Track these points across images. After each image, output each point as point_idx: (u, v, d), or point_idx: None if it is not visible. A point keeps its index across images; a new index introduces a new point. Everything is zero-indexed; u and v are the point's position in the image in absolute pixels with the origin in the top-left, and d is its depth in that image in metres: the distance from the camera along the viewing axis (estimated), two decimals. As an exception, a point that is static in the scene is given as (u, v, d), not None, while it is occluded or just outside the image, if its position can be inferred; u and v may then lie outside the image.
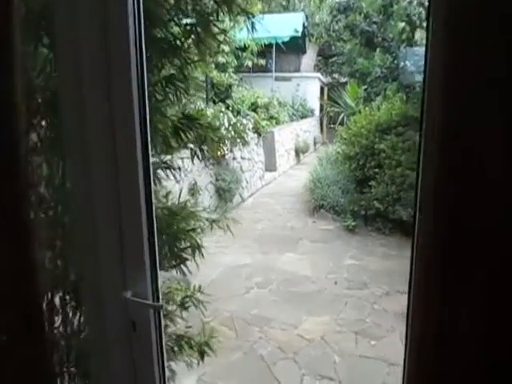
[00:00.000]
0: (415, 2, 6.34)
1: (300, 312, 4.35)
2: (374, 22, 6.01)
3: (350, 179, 7.52)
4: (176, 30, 1.73)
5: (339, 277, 5.20)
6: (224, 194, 7.09)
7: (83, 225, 1.40)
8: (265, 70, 14.26)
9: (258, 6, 8.06)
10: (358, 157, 7.08)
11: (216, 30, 1.79)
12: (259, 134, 9.15)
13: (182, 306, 2.26)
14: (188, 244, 2.00)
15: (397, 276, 5.20)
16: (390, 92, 7.00)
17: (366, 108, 7.62)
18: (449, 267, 0.89)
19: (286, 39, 13.15)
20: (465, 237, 0.86)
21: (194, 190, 6.18)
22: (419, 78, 6.21)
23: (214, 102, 8.43)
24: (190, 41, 1.75)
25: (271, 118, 10.81)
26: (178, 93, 1.82)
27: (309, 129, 14.55)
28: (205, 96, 8.08)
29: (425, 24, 6.62)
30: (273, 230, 6.90)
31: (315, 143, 15.18)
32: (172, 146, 2.06)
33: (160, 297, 1.41)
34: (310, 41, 16.98)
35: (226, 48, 10.99)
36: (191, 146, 2.12)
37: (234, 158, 7.81)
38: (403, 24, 6.29)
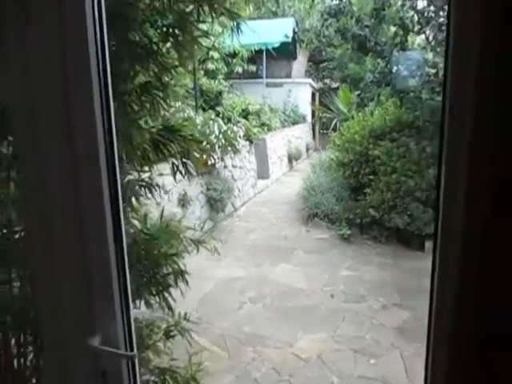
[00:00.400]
0: (407, 5, 6.21)
1: (295, 328, 4.15)
2: (366, 26, 5.88)
3: (344, 186, 7.36)
4: (152, 32, 1.54)
5: (335, 289, 5.01)
6: (215, 203, 6.89)
7: (41, 258, 1.20)
8: (256, 76, 14.11)
9: (247, 12, 7.89)
10: (351, 163, 6.92)
11: (197, 32, 1.61)
12: (251, 142, 8.98)
13: (167, 335, 2.05)
14: (170, 270, 1.80)
15: (393, 287, 5.04)
16: (384, 97, 6.86)
17: (359, 114, 7.48)
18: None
19: (277, 45, 13.02)
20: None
21: (183, 201, 5.98)
22: (413, 82, 6.08)
23: (204, 110, 8.24)
24: (168, 44, 1.57)
25: (263, 124, 10.64)
26: (155, 102, 1.62)
27: (301, 135, 14.40)
28: (194, 103, 7.89)
29: (417, 28, 6.51)
30: (266, 240, 6.71)
31: (308, 149, 15.03)
32: (151, 161, 1.86)
33: (134, 341, 1.22)
34: (300, 46, 16.89)
35: (216, 54, 10.88)
36: (173, 160, 1.93)
37: (226, 167, 7.62)
38: (396, 28, 6.16)
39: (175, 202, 5.82)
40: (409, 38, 6.45)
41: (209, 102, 8.66)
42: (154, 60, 1.54)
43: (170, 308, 2.12)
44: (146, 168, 1.93)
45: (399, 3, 6.98)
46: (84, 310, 1.17)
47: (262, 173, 10.09)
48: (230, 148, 7.01)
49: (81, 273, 1.16)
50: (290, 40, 13.90)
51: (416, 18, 6.49)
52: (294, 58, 16.43)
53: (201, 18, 1.60)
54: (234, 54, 11.90)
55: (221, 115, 8.53)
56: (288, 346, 3.88)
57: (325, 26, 6.35)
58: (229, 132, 7.09)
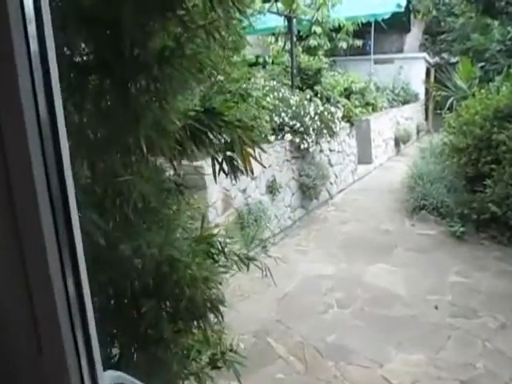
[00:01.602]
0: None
1: (388, 344, 3.55)
2: (496, -17, 4.81)
3: (458, 176, 6.35)
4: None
5: (441, 299, 4.25)
6: (308, 190, 6.39)
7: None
8: (362, 52, 13.06)
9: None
10: (469, 149, 5.88)
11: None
12: (352, 123, 8.24)
13: (212, 364, 1.66)
14: (203, 299, 1.38)
15: (516, 302, 4.14)
16: (514, 70, 5.69)
17: (482, 90, 6.34)
18: None
19: (387, 16, 11.81)
20: None
21: (272, 188, 5.58)
22: (556, 50, 4.88)
23: (301, 89, 7.70)
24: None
25: (367, 104, 9.76)
26: (181, 74, 1.19)
27: (411, 115, 13.10)
28: (290, 82, 7.39)
29: None
30: (362, 233, 6.05)
31: (418, 131, 13.66)
32: (188, 153, 1.45)
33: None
34: (415, 17, 15.32)
35: (318, 29, 10.20)
36: (214, 154, 1.49)
37: (321, 151, 7.05)
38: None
39: (263, 188, 5.45)
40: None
41: (306, 80, 8.08)
42: (174, 15, 1.11)
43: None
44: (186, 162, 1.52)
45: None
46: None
47: (364, 157, 9.29)
48: (325, 131, 6.42)
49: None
50: (402, 10, 12.55)
51: None
52: (408, 30, 14.94)
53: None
54: (338, 29, 11.09)
55: (319, 95, 7.92)
56: (377, 365, 3.30)
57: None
58: (325, 113, 6.49)
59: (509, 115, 5.51)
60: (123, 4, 1.02)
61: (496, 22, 8.59)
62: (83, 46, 1.20)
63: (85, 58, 1.24)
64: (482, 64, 5.68)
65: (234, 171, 1.49)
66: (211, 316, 1.49)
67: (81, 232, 0.80)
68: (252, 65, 9.31)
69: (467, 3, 5.61)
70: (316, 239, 5.93)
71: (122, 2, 1.03)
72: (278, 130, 6.02)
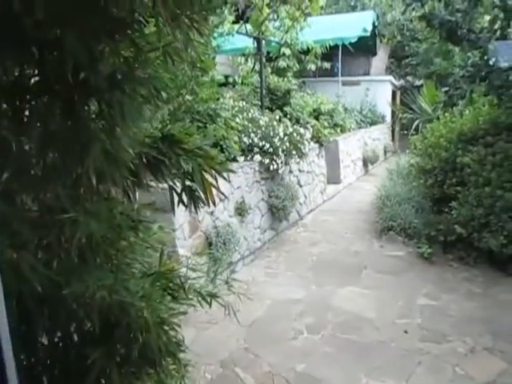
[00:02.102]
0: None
1: (358, 372, 3.46)
2: (458, 10, 4.95)
3: (425, 197, 6.44)
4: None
5: (410, 323, 4.22)
6: (277, 212, 6.32)
7: None
8: (330, 73, 13.30)
9: (319, 5, 7.21)
10: (435, 171, 5.98)
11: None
12: (321, 144, 8.29)
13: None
14: (158, 344, 1.25)
15: (484, 325, 4.14)
16: (476, 94, 5.84)
17: (446, 114, 6.49)
18: None
19: (354, 40, 12.11)
20: None
21: (241, 210, 5.48)
22: (515, 76, 5.04)
23: (271, 110, 7.70)
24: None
25: (336, 125, 9.89)
26: (132, 100, 1.09)
27: (378, 136, 13.36)
28: (259, 103, 7.39)
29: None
30: (332, 255, 6.01)
31: (385, 152, 13.93)
32: (143, 184, 1.34)
33: None
34: (381, 41, 15.80)
35: (288, 51, 10.32)
36: (171, 182, 1.39)
37: (291, 172, 7.03)
38: (495, 11, 5.16)
39: (232, 210, 5.34)
40: (511, 23, 5.40)
41: (276, 101, 8.11)
42: (126, 36, 1.01)
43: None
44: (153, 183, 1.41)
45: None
46: None
47: (333, 177, 9.35)
48: (295, 152, 6.40)
49: None
50: (368, 34, 12.91)
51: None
52: (374, 53, 15.36)
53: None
54: (307, 51, 11.26)
55: (289, 116, 7.94)
56: (347, 395, 3.21)
57: (407, 16, 5.47)
58: (295, 134, 6.49)
59: (472, 138, 5.64)
60: (66, 25, 0.92)
61: (457, 48, 8.93)
62: (25, 68, 1.09)
63: (27, 82, 1.13)
64: (446, 89, 5.81)
65: (194, 202, 1.39)
66: (169, 360, 1.37)
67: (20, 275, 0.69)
68: (222, 85, 9.29)
69: (430, 30, 5.75)
70: (286, 261, 5.84)
71: (65, 23, 0.93)
72: (248, 150, 5.96)
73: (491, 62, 5.12)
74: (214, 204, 1.39)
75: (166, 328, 1.26)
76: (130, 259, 1.47)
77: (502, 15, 5.01)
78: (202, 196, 1.39)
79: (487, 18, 5.99)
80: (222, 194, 1.57)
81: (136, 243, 1.47)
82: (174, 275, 1.54)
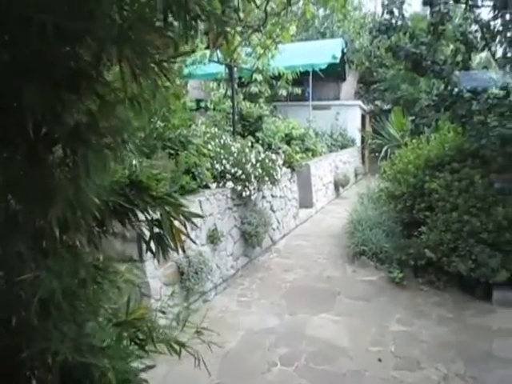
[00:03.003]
0: (470, 19, 5.44)
1: (333, 405, 3.42)
2: (422, 43, 5.15)
3: (396, 221, 6.55)
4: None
5: (384, 350, 4.22)
6: (250, 238, 6.29)
7: None
8: (302, 98, 13.57)
9: (290, 33, 7.40)
10: (404, 197, 6.10)
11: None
12: (293, 169, 8.36)
13: None
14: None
15: (455, 351, 4.18)
16: (442, 122, 6.05)
17: (413, 140, 6.67)
18: None
19: (324, 67, 12.42)
20: None
21: (213, 237, 5.43)
22: (477, 106, 5.25)
23: (243, 136, 7.74)
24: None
25: (307, 149, 10.02)
26: (96, 153, 1.06)
27: (349, 160, 13.61)
28: (231, 129, 7.42)
29: (481, 45, 5.69)
30: (306, 282, 6.00)
31: (356, 175, 14.18)
32: (110, 232, 1.30)
33: None
34: (350, 67, 16.25)
35: (259, 77, 10.47)
36: (139, 230, 1.35)
37: (264, 197, 7.04)
38: (456, 44, 5.39)
39: (204, 238, 5.28)
40: (472, 55, 5.66)
41: (248, 127, 8.16)
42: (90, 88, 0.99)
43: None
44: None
45: (460, 17, 6.22)
46: None
47: (305, 202, 9.42)
48: (267, 178, 6.42)
49: None
50: (338, 61, 13.28)
51: (480, 33, 5.70)
52: (343, 79, 15.78)
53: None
54: (278, 76, 11.46)
55: (261, 141, 8.00)
56: (323, 430, 3.15)
57: (374, 43, 5.65)
58: (267, 160, 6.52)
59: (439, 165, 5.80)
60: (25, 79, 0.89)
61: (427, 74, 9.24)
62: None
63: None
64: (413, 118, 5.99)
65: (162, 250, 1.36)
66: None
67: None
68: (194, 109, 9.32)
69: (395, 58, 5.95)
70: (259, 288, 5.79)
71: (23, 76, 0.90)
72: (220, 177, 5.95)
73: (455, 92, 5.31)
74: (184, 251, 1.36)
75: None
76: (95, 307, 1.41)
77: (463, 48, 5.25)
78: (171, 243, 1.35)
79: (451, 47, 6.27)
80: (192, 240, 1.54)
81: (102, 290, 1.41)
82: (142, 323, 1.49)
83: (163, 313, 1.86)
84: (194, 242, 3.09)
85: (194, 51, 7.78)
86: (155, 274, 4.44)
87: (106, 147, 1.08)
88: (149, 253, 1.47)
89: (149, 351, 1.49)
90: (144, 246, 1.38)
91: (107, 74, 1.15)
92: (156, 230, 1.34)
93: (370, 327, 4.69)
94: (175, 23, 1.13)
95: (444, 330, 4.60)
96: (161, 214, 1.31)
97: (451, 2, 4.91)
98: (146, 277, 4.25)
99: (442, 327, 4.67)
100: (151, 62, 1.11)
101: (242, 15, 6.28)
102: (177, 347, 1.46)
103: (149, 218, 1.33)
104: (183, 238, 1.36)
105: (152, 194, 1.30)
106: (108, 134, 1.07)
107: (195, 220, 1.57)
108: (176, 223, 1.36)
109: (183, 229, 1.36)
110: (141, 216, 1.37)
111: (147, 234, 1.38)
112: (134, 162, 1.32)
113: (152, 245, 1.35)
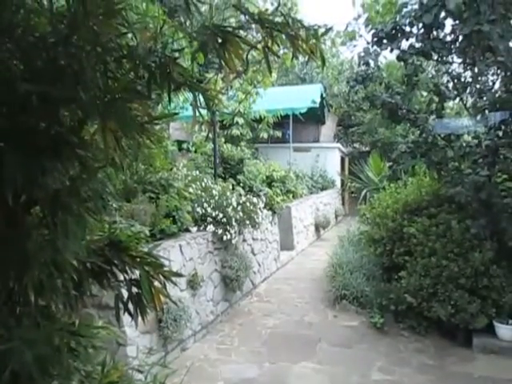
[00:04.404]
0: (442, 71, 5.73)
1: None
2: (397, 93, 5.37)
3: (376, 265, 6.57)
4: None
5: (366, 401, 4.13)
6: (231, 282, 6.20)
7: None
8: (282, 140, 13.84)
9: (271, 79, 7.63)
10: (384, 241, 6.16)
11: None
12: (274, 211, 8.39)
13: None
14: None
15: (438, 400, 4.12)
16: (418, 167, 6.22)
17: (391, 184, 6.82)
18: None
19: (304, 111, 12.78)
20: None
21: (193, 282, 5.34)
22: (451, 153, 5.43)
23: (224, 178, 7.79)
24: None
25: (288, 191, 10.11)
26: (76, 218, 1.06)
27: (329, 201, 13.76)
28: (213, 171, 7.47)
29: (453, 94, 5.97)
30: (286, 328, 5.90)
31: (336, 216, 14.31)
32: (87, 293, 1.27)
33: None
34: (329, 111, 16.73)
35: (241, 120, 10.67)
36: (117, 290, 1.33)
37: (245, 240, 7.01)
38: (430, 94, 5.64)
39: (183, 284, 5.19)
40: (445, 104, 5.91)
41: (229, 169, 8.24)
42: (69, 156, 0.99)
43: None
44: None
45: (432, 69, 6.54)
46: None
47: (286, 244, 9.42)
48: (248, 221, 6.43)
49: None
50: (317, 105, 13.68)
51: (451, 84, 5.99)
52: (323, 122, 16.21)
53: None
54: (260, 119, 11.70)
55: (242, 184, 8.06)
56: None
57: (352, 92, 5.86)
58: (248, 203, 6.55)
59: (417, 209, 5.92)
60: (6, 148, 0.89)
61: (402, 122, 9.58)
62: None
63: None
64: (390, 164, 6.14)
65: (141, 311, 1.33)
66: None
67: None
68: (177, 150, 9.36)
69: (371, 106, 6.17)
70: (239, 335, 5.66)
71: (4, 146, 0.90)
72: (201, 220, 5.92)
73: (430, 140, 5.50)
74: (162, 311, 1.34)
75: None
76: (68, 372, 1.35)
77: (436, 98, 5.48)
78: (150, 304, 1.33)
79: (425, 96, 6.54)
80: (172, 301, 1.52)
81: (78, 352, 1.36)
82: (117, 386, 1.44)
83: (140, 372, 1.80)
84: (173, 302, 3.01)
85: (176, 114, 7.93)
86: (132, 322, 4.30)
87: (86, 212, 1.08)
88: (127, 307, 1.45)
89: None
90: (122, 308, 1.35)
91: (88, 138, 1.16)
92: (135, 289, 1.32)
93: (352, 376, 4.60)
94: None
95: (425, 379, 4.54)
96: (140, 275, 1.29)
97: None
98: (122, 325, 4.12)
99: (422, 375, 4.62)
100: (133, 126, 1.13)
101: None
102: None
103: (127, 278, 1.31)
104: (162, 298, 1.34)
105: (131, 253, 1.29)
106: (88, 198, 1.07)
107: (174, 265, 1.56)
108: (156, 283, 1.34)
109: (163, 290, 1.34)
110: (119, 276, 1.35)
111: (125, 294, 1.36)
112: (114, 221, 1.31)
113: (130, 306, 1.32)
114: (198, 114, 1.29)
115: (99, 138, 1.14)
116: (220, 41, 1.23)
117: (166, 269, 1.33)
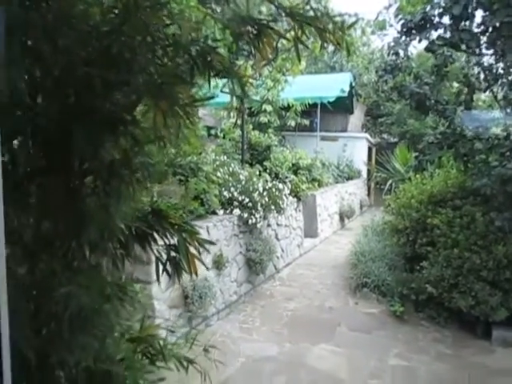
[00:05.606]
0: (473, 62, 5.68)
1: None
2: (426, 83, 5.37)
3: (398, 255, 6.62)
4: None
5: (382, 384, 4.26)
6: (255, 265, 6.39)
7: None
8: (310, 129, 13.86)
9: (300, 67, 7.69)
10: (407, 231, 6.21)
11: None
12: (299, 199, 8.51)
13: None
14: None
15: (454, 387, 4.21)
16: (446, 159, 6.21)
17: (417, 175, 6.82)
18: None
19: (332, 99, 12.75)
20: None
21: (218, 263, 5.54)
22: (479, 145, 5.41)
23: (251, 164, 7.95)
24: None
25: (313, 180, 10.19)
26: (127, 185, 1.23)
27: (355, 191, 13.76)
28: (240, 157, 7.63)
29: (483, 86, 5.91)
30: (307, 311, 6.06)
31: (361, 206, 14.31)
32: (132, 254, 1.45)
33: None
34: (357, 100, 16.62)
35: (269, 108, 10.76)
36: (157, 253, 1.50)
37: (269, 225, 7.17)
38: (459, 85, 5.61)
39: (209, 263, 5.40)
40: (474, 96, 5.86)
41: (256, 156, 8.38)
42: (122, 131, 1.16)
43: None
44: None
45: (463, 59, 6.47)
46: None
47: (310, 231, 9.53)
48: (273, 207, 6.57)
49: None
50: (346, 95, 13.61)
51: (482, 75, 5.93)
52: (351, 112, 16.11)
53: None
54: (287, 107, 11.76)
55: (268, 170, 8.20)
56: None
57: (381, 82, 5.87)
58: (273, 189, 6.69)
59: (441, 201, 5.93)
60: (73, 122, 1.06)
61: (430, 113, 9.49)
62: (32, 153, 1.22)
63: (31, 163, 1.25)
64: (416, 154, 6.16)
65: (177, 272, 1.50)
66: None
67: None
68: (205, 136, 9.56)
69: (400, 97, 6.17)
70: (261, 316, 5.85)
71: (72, 120, 1.07)
72: (227, 204, 6.10)
73: (457, 131, 5.49)
74: (197, 274, 1.51)
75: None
76: (113, 323, 1.54)
77: (466, 90, 5.46)
78: (186, 267, 1.50)
79: (455, 87, 6.49)
80: (204, 264, 1.68)
81: (123, 306, 1.55)
82: (154, 340, 1.62)
83: (172, 331, 1.99)
84: (206, 267, 3.20)
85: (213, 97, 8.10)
86: (160, 296, 4.56)
87: (136, 181, 1.25)
88: (154, 276, 1.62)
89: (159, 367, 1.62)
90: (161, 268, 1.53)
91: (138, 116, 1.33)
92: (173, 254, 1.49)
93: (369, 359, 4.73)
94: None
95: (442, 367, 4.63)
96: (178, 240, 1.46)
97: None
98: (151, 299, 4.37)
99: (440, 364, 4.70)
100: (178, 107, 1.29)
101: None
102: (185, 364, 1.58)
103: (167, 242, 1.49)
104: (197, 262, 1.51)
105: (170, 221, 1.46)
106: (138, 170, 1.23)
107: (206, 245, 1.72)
108: (191, 249, 1.51)
109: (197, 254, 1.50)
110: (159, 241, 1.52)
111: (164, 257, 1.53)
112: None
113: (168, 267, 1.49)
114: (233, 99, 1.43)
115: (148, 117, 1.30)
116: (255, 32, 1.36)
117: (199, 236, 1.49)
